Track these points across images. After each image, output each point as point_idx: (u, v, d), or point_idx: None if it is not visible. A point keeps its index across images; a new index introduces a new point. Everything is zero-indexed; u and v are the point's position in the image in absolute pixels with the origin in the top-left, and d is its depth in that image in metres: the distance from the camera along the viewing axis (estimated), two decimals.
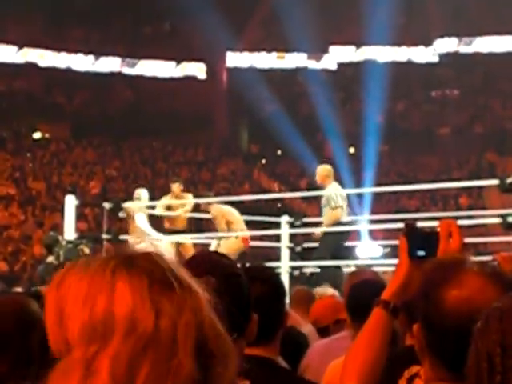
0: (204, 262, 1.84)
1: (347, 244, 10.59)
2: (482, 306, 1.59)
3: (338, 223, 10.06)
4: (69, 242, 9.37)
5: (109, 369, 1.11)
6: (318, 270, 10.04)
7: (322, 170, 10.67)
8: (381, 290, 2.13)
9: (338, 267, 9.70)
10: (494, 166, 28.97)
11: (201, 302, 1.19)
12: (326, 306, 5.00)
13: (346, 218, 10.28)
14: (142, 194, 11.81)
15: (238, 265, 2.36)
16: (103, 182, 28.31)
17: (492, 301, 1.61)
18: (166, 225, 12.29)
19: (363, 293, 3.53)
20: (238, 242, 11.05)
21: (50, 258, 8.90)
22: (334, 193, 10.18)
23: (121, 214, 10.87)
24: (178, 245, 11.65)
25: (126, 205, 11.10)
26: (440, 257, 1.97)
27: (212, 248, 10.77)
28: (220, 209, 11.29)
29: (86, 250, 9.33)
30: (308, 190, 11.04)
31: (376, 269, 6.56)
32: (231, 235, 10.99)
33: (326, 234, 10.07)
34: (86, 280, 1.17)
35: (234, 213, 11.28)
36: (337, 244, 10.09)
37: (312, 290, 6.64)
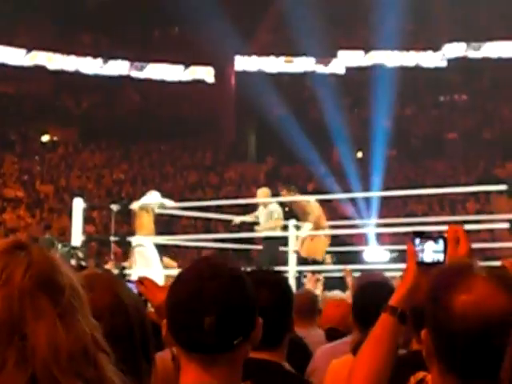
0: (208, 266, 1.84)
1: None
2: (490, 311, 1.59)
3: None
4: (64, 245, 9.44)
5: None
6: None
7: (262, 193, 11.43)
8: (387, 292, 2.12)
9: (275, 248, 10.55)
10: (502, 171, 28.88)
11: None
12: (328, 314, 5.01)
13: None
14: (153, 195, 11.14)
15: (247, 269, 2.36)
16: (111, 185, 28.34)
17: (500, 306, 1.61)
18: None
19: (369, 296, 3.51)
20: (326, 242, 10.96)
21: None
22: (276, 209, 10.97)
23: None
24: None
25: (135, 205, 10.85)
26: (448, 262, 1.97)
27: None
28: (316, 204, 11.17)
29: (80, 255, 9.41)
30: (315, 194, 11.04)
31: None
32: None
33: (267, 239, 10.85)
34: None
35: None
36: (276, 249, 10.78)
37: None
